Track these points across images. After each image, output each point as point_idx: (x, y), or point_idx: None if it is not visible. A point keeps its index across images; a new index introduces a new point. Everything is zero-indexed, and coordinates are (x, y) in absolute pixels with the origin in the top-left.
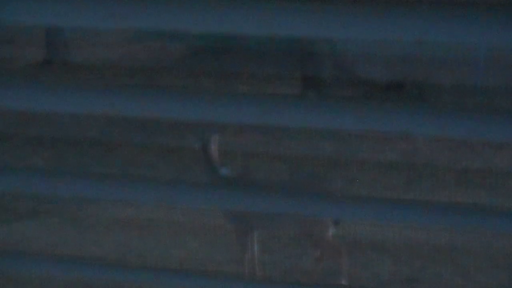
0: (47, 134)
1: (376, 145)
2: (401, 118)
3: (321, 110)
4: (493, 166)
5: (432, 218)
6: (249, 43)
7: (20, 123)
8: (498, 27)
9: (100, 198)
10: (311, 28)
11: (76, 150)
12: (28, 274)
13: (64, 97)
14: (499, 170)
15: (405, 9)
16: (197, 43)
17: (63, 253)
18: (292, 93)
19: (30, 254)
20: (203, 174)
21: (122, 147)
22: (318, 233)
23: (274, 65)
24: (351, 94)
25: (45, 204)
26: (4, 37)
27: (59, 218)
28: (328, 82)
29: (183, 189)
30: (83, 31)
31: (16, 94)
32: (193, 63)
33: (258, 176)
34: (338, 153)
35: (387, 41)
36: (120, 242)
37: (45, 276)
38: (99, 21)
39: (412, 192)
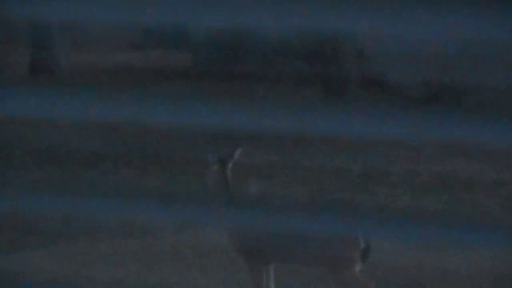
0: (46, 145)
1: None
2: (435, 126)
3: (346, 116)
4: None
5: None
6: (265, 39)
7: (15, 132)
8: None
9: (107, 217)
10: (335, 20)
11: (78, 166)
12: None
13: (62, 104)
14: None
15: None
16: (206, 40)
17: (63, 277)
18: (315, 98)
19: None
20: (218, 193)
21: (130, 161)
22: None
23: (295, 66)
24: (377, 97)
25: (42, 224)
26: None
27: (56, 239)
28: (354, 85)
29: (197, 209)
30: (82, 36)
31: (10, 99)
32: (202, 65)
33: (279, 194)
34: (364, 164)
35: (420, 39)
36: (122, 270)
37: None
38: (98, 15)
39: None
